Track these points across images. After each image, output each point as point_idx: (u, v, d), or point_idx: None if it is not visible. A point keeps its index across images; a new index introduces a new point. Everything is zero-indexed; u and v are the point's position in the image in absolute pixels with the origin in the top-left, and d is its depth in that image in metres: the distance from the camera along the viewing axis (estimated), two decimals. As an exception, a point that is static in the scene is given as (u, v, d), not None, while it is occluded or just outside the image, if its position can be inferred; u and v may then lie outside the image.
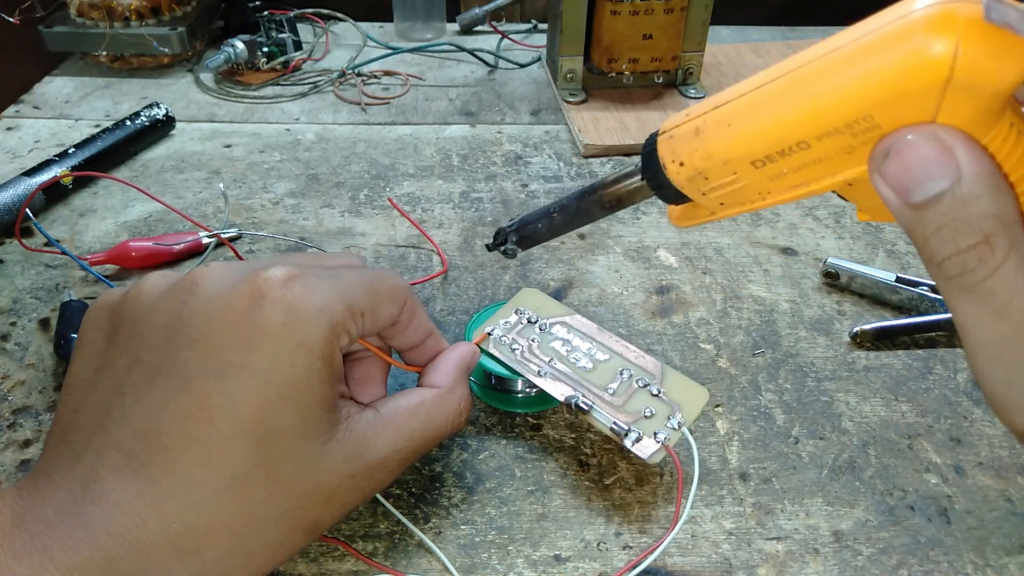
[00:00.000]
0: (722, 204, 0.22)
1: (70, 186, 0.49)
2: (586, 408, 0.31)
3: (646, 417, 0.31)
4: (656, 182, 0.23)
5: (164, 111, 0.56)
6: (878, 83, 0.17)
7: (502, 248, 0.30)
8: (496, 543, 0.30)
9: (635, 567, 0.28)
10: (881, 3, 0.18)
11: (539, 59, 0.69)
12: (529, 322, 0.35)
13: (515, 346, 0.34)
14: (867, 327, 0.39)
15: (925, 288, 0.40)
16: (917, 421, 0.35)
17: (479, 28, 0.75)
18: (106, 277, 0.42)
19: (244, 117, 0.60)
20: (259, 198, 0.50)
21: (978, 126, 0.17)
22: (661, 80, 0.62)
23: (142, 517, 0.22)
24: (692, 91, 0.62)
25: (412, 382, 0.36)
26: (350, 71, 0.66)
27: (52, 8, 0.65)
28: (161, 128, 0.56)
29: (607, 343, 0.34)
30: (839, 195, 0.22)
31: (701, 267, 0.44)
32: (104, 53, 0.64)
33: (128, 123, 0.54)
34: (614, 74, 0.60)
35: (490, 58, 0.69)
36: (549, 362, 0.33)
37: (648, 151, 0.23)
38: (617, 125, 0.57)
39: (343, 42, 0.72)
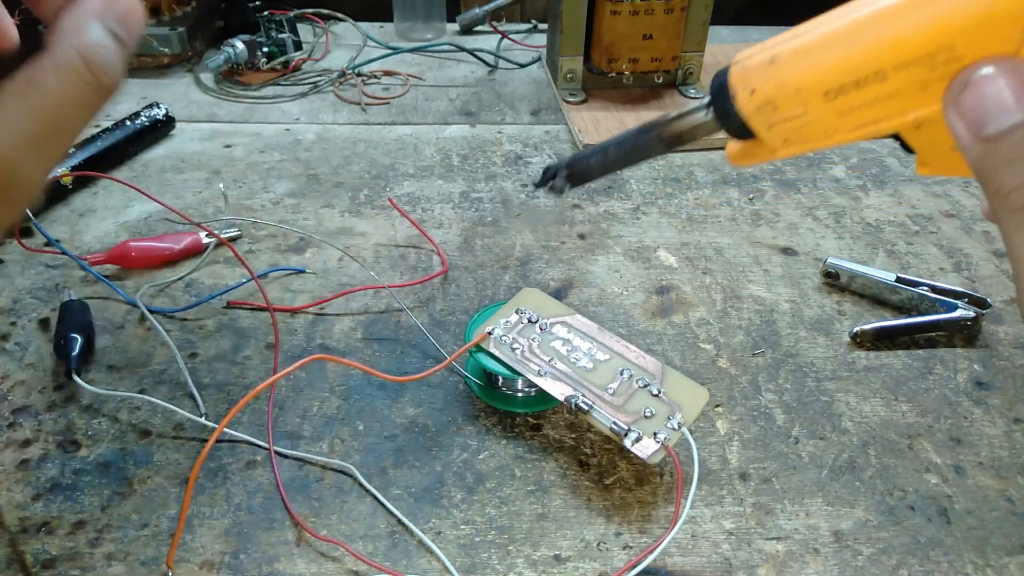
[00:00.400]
0: (785, 141, 0.22)
1: (70, 186, 0.49)
2: (586, 408, 0.31)
3: (646, 417, 0.31)
4: (723, 112, 0.23)
5: (164, 111, 0.56)
6: (967, 9, 0.17)
7: (549, 184, 0.30)
8: (496, 543, 0.30)
9: (635, 567, 0.28)
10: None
11: (539, 59, 0.69)
12: (530, 322, 0.35)
13: (515, 346, 0.34)
14: (867, 327, 0.39)
15: (925, 288, 0.40)
16: (917, 421, 0.35)
17: (479, 28, 0.75)
18: (106, 277, 0.42)
19: (244, 117, 0.60)
20: (259, 198, 0.50)
21: None
22: (661, 80, 0.62)
23: None
24: (692, 91, 0.62)
25: (408, 391, 0.36)
26: (350, 71, 0.66)
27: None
28: (161, 128, 0.56)
29: (607, 343, 0.34)
30: (903, 143, 0.21)
31: (701, 267, 0.44)
32: (104, 53, 0.64)
33: (128, 123, 0.54)
34: (614, 74, 0.60)
35: (490, 58, 0.69)
36: (549, 362, 0.33)
37: (718, 82, 0.23)
38: (617, 125, 0.57)
39: (343, 42, 0.72)
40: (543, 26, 0.75)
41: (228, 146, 0.56)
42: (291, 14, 0.67)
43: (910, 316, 0.40)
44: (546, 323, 0.35)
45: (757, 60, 0.21)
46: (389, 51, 0.69)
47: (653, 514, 0.31)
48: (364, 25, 0.73)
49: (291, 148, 0.55)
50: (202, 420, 0.34)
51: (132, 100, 0.62)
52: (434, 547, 0.29)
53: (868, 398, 0.36)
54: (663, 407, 0.32)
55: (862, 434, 0.34)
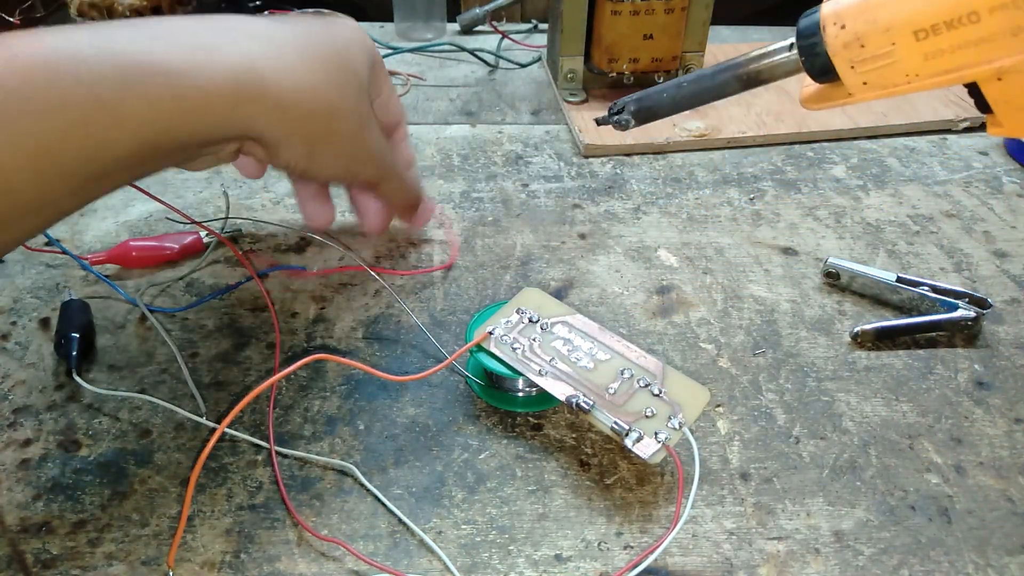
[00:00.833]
0: (865, 84, 0.22)
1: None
2: (587, 407, 0.31)
3: (647, 417, 0.31)
4: (808, 49, 0.23)
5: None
6: None
7: (615, 119, 0.30)
8: (497, 543, 0.30)
9: (635, 567, 0.28)
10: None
11: (539, 59, 0.69)
12: (530, 321, 0.35)
13: (516, 345, 0.34)
14: (868, 327, 0.39)
15: (926, 288, 0.40)
16: (918, 421, 0.35)
17: (479, 28, 0.75)
18: (106, 277, 0.42)
19: (244, 117, 0.60)
20: (260, 198, 0.50)
21: None
22: (662, 80, 0.62)
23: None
24: (692, 91, 0.62)
25: (409, 391, 0.36)
26: (350, 71, 0.66)
27: (52, 8, 0.65)
28: (161, 128, 0.55)
29: (608, 343, 0.34)
30: (978, 103, 0.21)
31: (702, 267, 0.44)
32: (104, 53, 0.64)
33: (128, 123, 0.54)
34: (615, 74, 0.60)
35: (490, 58, 0.69)
36: (550, 361, 0.33)
37: (807, 16, 0.23)
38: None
39: (343, 42, 0.72)
40: (543, 26, 0.75)
41: (228, 146, 0.55)
42: (291, 14, 0.67)
43: (911, 316, 0.40)
44: (547, 323, 0.35)
45: None
46: (389, 51, 0.69)
47: (654, 514, 0.31)
48: (364, 25, 0.72)
49: (291, 148, 0.55)
50: (203, 420, 0.34)
51: (132, 100, 0.62)
52: (435, 547, 0.29)
53: (869, 398, 0.36)
54: (664, 407, 0.32)
55: (863, 434, 0.34)
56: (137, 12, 0.63)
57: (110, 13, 0.62)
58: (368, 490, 0.32)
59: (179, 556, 0.29)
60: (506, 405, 0.35)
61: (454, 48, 0.71)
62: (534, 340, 0.34)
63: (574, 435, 0.34)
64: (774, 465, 0.33)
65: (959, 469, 0.33)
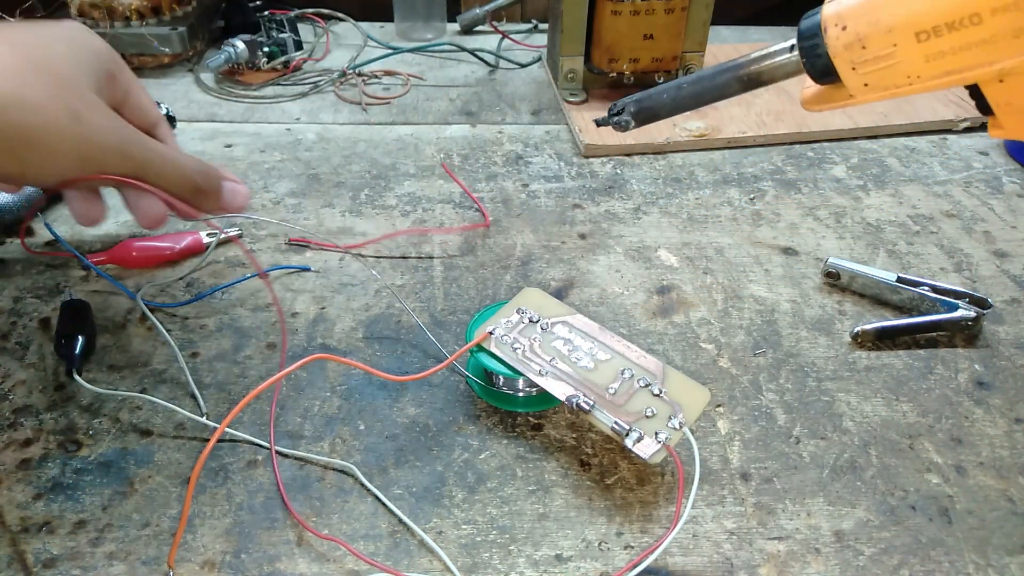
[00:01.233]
0: (866, 85, 0.22)
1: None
2: (587, 408, 0.31)
3: (647, 417, 0.31)
4: (810, 50, 0.23)
5: (165, 111, 0.56)
6: None
7: (615, 120, 0.29)
8: (498, 543, 0.30)
9: (635, 567, 0.28)
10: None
11: (539, 59, 0.69)
12: (531, 321, 0.35)
13: (517, 345, 0.34)
14: (868, 327, 0.39)
15: (926, 288, 0.40)
16: (918, 421, 0.35)
17: (479, 28, 0.75)
18: (108, 274, 0.42)
19: (245, 117, 0.60)
20: (260, 198, 0.50)
21: None
22: (662, 80, 0.62)
23: None
24: (693, 91, 0.62)
25: (409, 391, 0.36)
26: (351, 71, 0.66)
27: (53, 8, 0.65)
28: (162, 128, 0.56)
29: (608, 343, 0.34)
30: (979, 105, 0.21)
31: (702, 267, 0.44)
32: (104, 53, 0.64)
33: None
34: (615, 74, 0.60)
35: (491, 58, 0.69)
36: (551, 361, 0.33)
37: (808, 18, 0.23)
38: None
39: (344, 42, 0.72)
40: (543, 26, 0.75)
41: (228, 146, 0.56)
42: (292, 14, 0.67)
43: (911, 316, 0.40)
44: (547, 323, 0.35)
45: None
46: (389, 51, 0.69)
47: (654, 514, 0.31)
48: (364, 25, 0.73)
49: (292, 148, 0.55)
50: (203, 420, 0.34)
51: (132, 100, 0.62)
52: (435, 547, 0.29)
53: (869, 398, 0.36)
54: (664, 407, 0.32)
55: (863, 434, 0.34)
56: (138, 12, 0.63)
57: (111, 13, 0.62)
58: (368, 490, 0.32)
59: (179, 556, 0.29)
60: (506, 405, 0.35)
61: (454, 48, 0.71)
62: (534, 340, 0.34)
63: (574, 435, 0.34)
64: (774, 465, 0.33)
65: (959, 469, 0.33)
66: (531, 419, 0.35)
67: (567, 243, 0.46)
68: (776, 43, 0.25)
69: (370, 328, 0.40)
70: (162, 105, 0.56)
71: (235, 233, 0.46)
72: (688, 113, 0.59)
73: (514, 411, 0.35)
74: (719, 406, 0.36)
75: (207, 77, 0.65)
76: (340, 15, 0.72)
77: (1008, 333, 0.40)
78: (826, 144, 0.57)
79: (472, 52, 0.69)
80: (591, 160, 0.55)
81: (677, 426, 0.31)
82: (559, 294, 0.42)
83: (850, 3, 0.22)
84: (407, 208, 0.49)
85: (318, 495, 0.31)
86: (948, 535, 0.30)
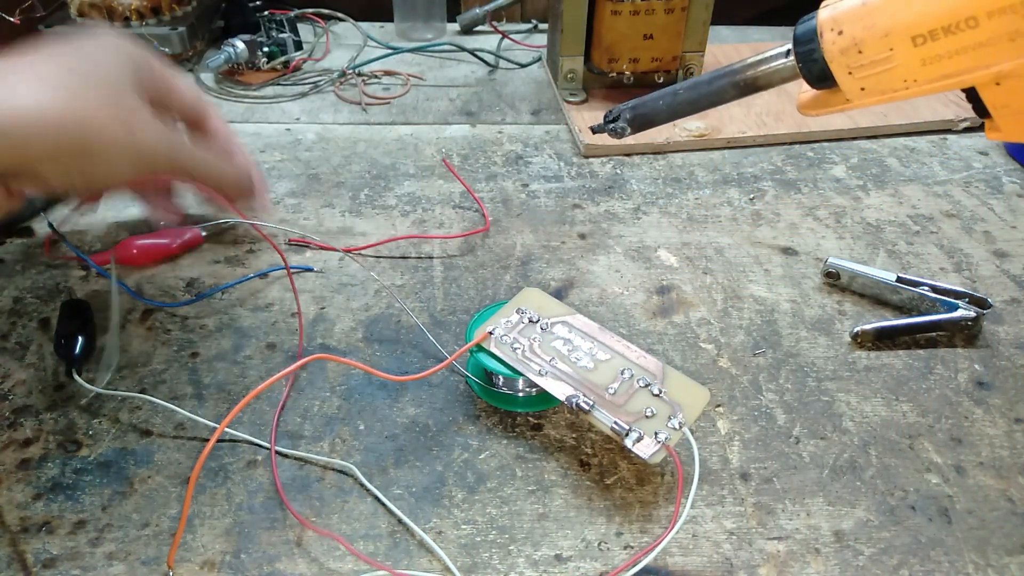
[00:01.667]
0: (863, 89, 0.22)
1: (70, 186, 0.49)
2: (587, 408, 0.31)
3: (647, 417, 0.31)
4: (806, 55, 0.23)
5: (164, 111, 0.56)
6: None
7: (610, 127, 0.29)
8: (497, 543, 0.30)
9: (632, 566, 0.28)
10: None
11: (539, 59, 0.69)
12: (530, 321, 0.35)
13: (516, 345, 0.34)
14: (868, 327, 0.39)
15: (926, 288, 0.40)
16: (918, 421, 0.35)
17: (479, 28, 0.75)
18: (108, 274, 0.42)
19: (244, 117, 0.60)
20: (260, 198, 0.50)
21: None
22: (662, 80, 0.62)
23: None
24: (692, 91, 0.62)
25: (409, 391, 0.36)
26: (350, 71, 0.66)
27: (53, 8, 0.65)
28: (161, 128, 0.56)
29: (608, 343, 0.34)
30: (976, 108, 0.21)
31: (702, 267, 0.44)
32: (104, 53, 0.64)
33: (128, 123, 0.54)
34: (615, 74, 0.60)
35: (490, 58, 0.69)
36: (550, 361, 0.33)
37: (804, 23, 0.23)
38: (618, 125, 0.57)
39: (343, 42, 0.72)
40: (543, 26, 0.75)
41: (228, 146, 0.55)
42: (291, 14, 0.67)
43: (911, 316, 0.40)
44: (547, 323, 0.35)
45: (848, 2, 0.22)
46: (389, 51, 0.69)
47: (654, 514, 0.31)
48: (364, 25, 0.73)
49: (291, 148, 0.55)
50: (203, 420, 0.34)
51: (132, 100, 0.62)
52: (435, 547, 0.29)
53: (869, 398, 0.36)
54: (664, 407, 0.32)
55: (863, 434, 0.34)
56: (137, 12, 0.63)
57: (110, 13, 0.62)
58: (368, 490, 0.32)
59: (179, 556, 0.29)
60: (506, 405, 0.35)
61: (454, 48, 0.71)
62: (534, 340, 0.34)
63: (574, 435, 0.34)
64: (774, 465, 0.33)
65: (959, 469, 0.33)
66: (531, 419, 0.35)
67: (567, 243, 0.46)
68: (772, 48, 0.25)
69: (370, 328, 0.40)
70: (162, 105, 0.56)
71: (230, 224, 0.46)
72: (688, 113, 0.59)
73: (514, 411, 0.35)
74: (719, 406, 0.36)
75: (207, 77, 0.65)
76: (340, 15, 0.72)
77: (1008, 333, 0.40)
78: (826, 144, 0.57)
79: (472, 52, 0.69)
80: (591, 160, 0.55)
81: (677, 426, 0.31)
82: (559, 294, 0.42)
83: (846, 8, 0.22)
84: (407, 208, 0.49)
85: (318, 495, 0.31)
86: (948, 535, 0.30)
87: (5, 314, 0.40)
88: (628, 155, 0.55)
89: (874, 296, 0.42)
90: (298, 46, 0.67)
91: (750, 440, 0.34)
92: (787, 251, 0.46)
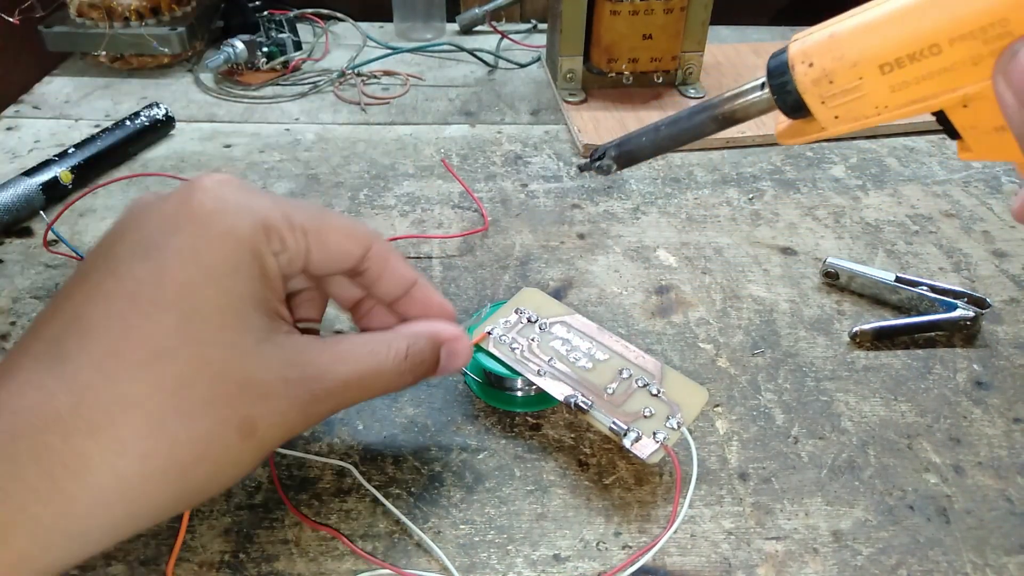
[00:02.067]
0: (837, 117, 0.23)
1: (70, 186, 0.49)
2: (585, 407, 0.31)
3: (645, 417, 0.31)
4: (780, 87, 0.24)
5: (164, 111, 0.56)
6: None
7: (597, 164, 0.30)
8: (495, 543, 0.30)
9: (630, 566, 0.28)
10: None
11: (539, 59, 0.69)
12: (529, 321, 0.35)
13: (515, 345, 0.34)
14: (866, 327, 0.39)
15: (925, 288, 0.40)
16: (916, 421, 0.35)
17: (479, 28, 0.75)
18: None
19: (244, 117, 0.60)
20: (259, 198, 0.50)
21: None
22: (661, 80, 0.62)
23: (51, 391, 0.20)
24: (692, 91, 0.62)
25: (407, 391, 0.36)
26: (350, 71, 0.66)
27: (52, 8, 0.65)
28: (161, 128, 0.56)
29: (607, 343, 0.34)
30: (947, 130, 0.22)
31: (700, 267, 0.44)
32: (104, 53, 0.64)
33: (128, 123, 0.54)
34: (614, 74, 0.60)
35: (490, 58, 0.69)
36: (549, 361, 0.33)
37: (776, 57, 0.24)
38: (617, 125, 0.57)
39: (343, 42, 0.72)
40: (543, 26, 0.75)
41: (228, 146, 0.56)
42: (291, 14, 0.67)
43: (910, 316, 0.40)
44: (545, 323, 0.35)
45: (817, 36, 0.22)
46: (389, 51, 0.69)
47: (652, 514, 0.31)
48: (364, 25, 0.73)
49: (291, 148, 0.55)
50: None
51: (132, 100, 0.62)
52: (433, 546, 0.29)
53: (867, 398, 0.36)
54: (662, 407, 0.32)
55: (861, 434, 0.34)
56: (137, 12, 0.63)
57: (110, 13, 0.62)
58: (367, 490, 0.32)
59: (179, 556, 0.29)
60: (505, 405, 0.35)
61: (453, 48, 0.71)
62: (533, 340, 0.34)
63: (573, 435, 0.34)
64: (773, 465, 0.33)
65: (958, 469, 0.33)
66: (529, 419, 0.35)
67: (566, 243, 0.46)
68: (747, 81, 0.25)
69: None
70: (161, 106, 0.56)
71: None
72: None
73: (512, 411, 0.35)
74: (717, 406, 0.36)
75: (206, 77, 0.65)
76: (339, 15, 0.72)
77: (1007, 333, 0.40)
78: (825, 144, 0.57)
79: (471, 52, 0.69)
80: (590, 160, 0.55)
81: (675, 426, 0.31)
82: (558, 294, 0.42)
83: (814, 40, 0.22)
84: (406, 208, 0.49)
85: (316, 495, 0.31)
86: (946, 535, 0.30)
87: (5, 314, 0.40)
88: (627, 155, 0.55)
89: (873, 296, 0.42)
90: (297, 46, 0.67)
91: (749, 440, 0.34)
92: (786, 251, 0.46)
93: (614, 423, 0.31)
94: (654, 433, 0.30)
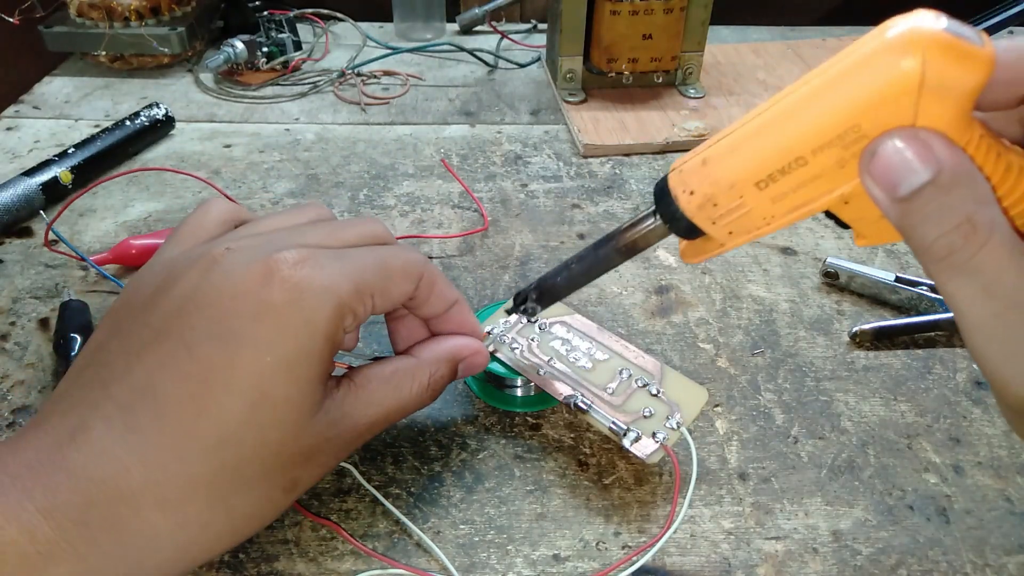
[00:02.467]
0: (731, 233, 0.24)
1: (70, 186, 0.49)
2: (585, 407, 0.31)
3: (645, 417, 0.31)
4: (669, 215, 0.25)
5: (164, 111, 0.56)
6: (863, 94, 0.19)
7: (522, 308, 0.32)
8: (495, 543, 0.30)
9: (628, 566, 0.28)
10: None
11: (539, 59, 0.69)
12: (529, 321, 0.35)
13: (515, 345, 0.34)
14: (866, 327, 0.39)
15: (924, 288, 0.40)
16: (916, 421, 0.35)
17: (479, 28, 0.75)
18: (110, 275, 0.42)
19: (244, 117, 0.60)
20: (259, 198, 0.50)
21: (952, 128, 0.19)
22: (661, 80, 0.62)
23: (125, 464, 0.22)
24: (692, 91, 0.62)
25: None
26: (350, 71, 0.66)
27: (52, 8, 0.65)
28: (161, 128, 0.56)
29: (607, 343, 0.34)
30: (838, 221, 0.23)
31: (700, 267, 0.44)
32: (104, 53, 0.64)
33: (128, 123, 0.54)
34: (614, 74, 0.60)
35: (490, 58, 0.69)
36: (548, 361, 0.33)
37: (660, 187, 0.25)
38: (617, 125, 0.57)
39: (343, 42, 0.72)
40: (543, 26, 0.75)
41: (228, 146, 0.56)
42: (291, 14, 0.67)
43: (909, 316, 0.40)
44: (545, 323, 0.35)
45: (691, 164, 0.23)
46: (389, 51, 0.69)
47: (652, 514, 0.31)
48: (364, 25, 0.73)
49: (291, 148, 0.55)
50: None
51: (132, 100, 0.62)
52: (433, 547, 0.29)
53: (867, 398, 0.36)
54: (662, 407, 0.32)
55: (861, 434, 0.34)
56: (137, 12, 0.63)
57: (109, 13, 0.62)
58: (366, 490, 0.32)
59: (178, 556, 0.29)
60: (505, 405, 0.35)
61: (453, 48, 0.71)
62: (532, 340, 0.34)
63: (572, 435, 0.34)
64: (772, 465, 0.33)
65: (957, 469, 0.33)
66: (529, 419, 0.35)
67: (566, 243, 0.46)
68: (640, 212, 0.26)
69: (368, 328, 0.40)
70: (161, 105, 0.56)
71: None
72: (686, 112, 0.59)
73: (512, 411, 0.35)
74: (717, 406, 0.36)
75: (206, 77, 0.65)
76: (339, 15, 0.72)
77: (1006, 333, 0.40)
78: (825, 144, 0.57)
79: (471, 52, 0.69)
80: (590, 160, 0.55)
81: (675, 426, 0.31)
82: (557, 294, 0.42)
83: (690, 169, 0.23)
84: (406, 208, 0.49)
85: (316, 495, 0.31)
86: (946, 535, 0.30)
87: (5, 314, 0.40)
88: (627, 155, 0.55)
89: (873, 296, 0.42)
90: (297, 46, 0.67)
91: (748, 440, 0.34)
92: (786, 251, 0.46)
93: (614, 423, 0.31)
94: (653, 433, 0.30)
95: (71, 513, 0.21)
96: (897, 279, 0.41)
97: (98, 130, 0.53)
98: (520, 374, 0.33)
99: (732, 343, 0.39)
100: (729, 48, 0.70)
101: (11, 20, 0.62)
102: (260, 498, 0.24)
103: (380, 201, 0.50)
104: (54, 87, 0.64)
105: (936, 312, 0.40)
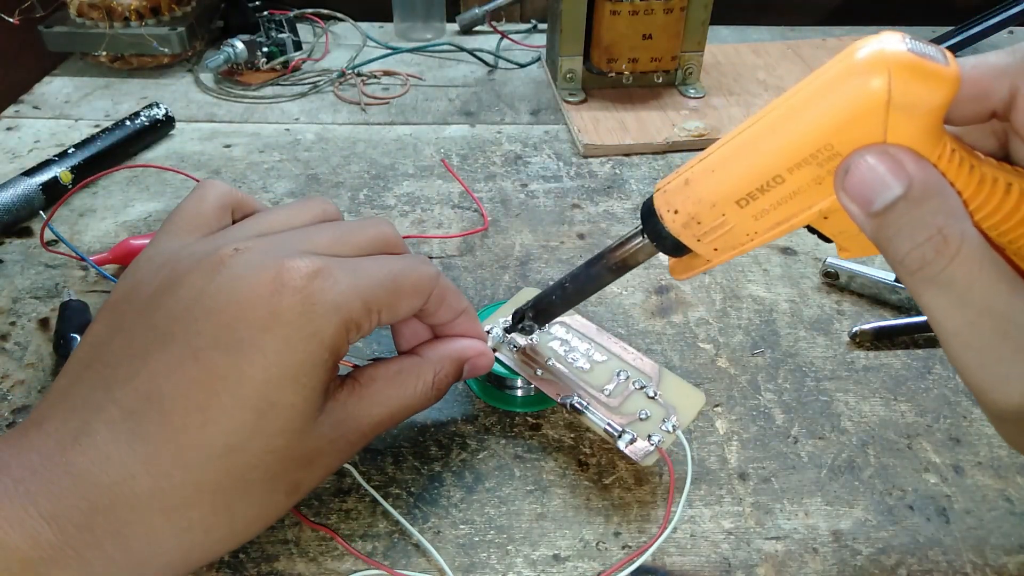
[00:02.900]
0: (716, 249, 0.25)
1: (70, 186, 0.49)
2: (581, 408, 0.31)
3: (641, 419, 0.31)
4: (655, 234, 0.25)
5: (164, 111, 0.56)
6: (833, 114, 0.20)
7: (520, 326, 0.32)
8: (495, 543, 0.30)
9: (628, 566, 0.28)
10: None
11: (539, 59, 0.69)
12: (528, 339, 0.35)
13: (514, 345, 0.34)
14: (866, 327, 0.39)
15: (924, 288, 0.40)
16: (916, 421, 0.35)
17: (479, 28, 0.75)
18: (110, 275, 0.42)
19: (244, 117, 0.60)
20: (258, 198, 0.50)
21: (922, 144, 0.20)
22: (661, 80, 0.62)
23: (131, 471, 0.22)
24: (692, 91, 0.62)
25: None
26: (350, 71, 0.66)
27: (52, 8, 0.65)
28: (161, 128, 0.56)
29: (605, 344, 0.34)
30: (820, 236, 0.24)
31: (700, 267, 0.44)
32: (104, 53, 0.64)
33: (128, 123, 0.54)
34: (614, 74, 0.60)
35: (490, 58, 0.69)
36: (547, 362, 0.33)
37: (646, 207, 0.26)
38: (617, 125, 0.57)
39: (343, 42, 0.72)
40: (543, 26, 0.75)
41: (228, 146, 0.56)
42: (291, 14, 0.67)
43: (909, 316, 0.40)
44: (545, 323, 0.35)
45: (674, 184, 0.24)
46: (389, 51, 0.69)
47: (652, 514, 0.31)
48: (364, 25, 0.73)
49: (291, 148, 0.55)
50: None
51: (132, 100, 0.62)
52: (432, 548, 0.29)
53: (867, 398, 0.36)
54: (659, 409, 0.32)
55: (861, 434, 0.34)
56: (137, 12, 0.63)
57: (109, 13, 0.63)
58: (366, 490, 0.32)
59: (177, 556, 0.29)
60: (505, 405, 0.35)
61: (453, 48, 0.71)
62: (532, 340, 0.34)
63: (572, 435, 0.34)
64: (772, 465, 0.33)
65: (957, 469, 0.33)
66: (529, 419, 0.35)
67: (566, 243, 0.46)
68: (628, 231, 0.27)
69: (368, 328, 0.40)
70: (161, 105, 0.56)
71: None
72: (686, 112, 0.59)
73: (512, 411, 0.35)
74: (717, 406, 0.36)
75: (206, 77, 0.65)
76: (339, 15, 0.72)
77: (1006, 333, 0.40)
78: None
79: (471, 52, 0.69)
80: (590, 160, 0.55)
81: (670, 429, 0.31)
82: (557, 294, 0.42)
83: (673, 190, 0.24)
84: (406, 208, 0.49)
85: (316, 495, 0.31)
86: (946, 535, 0.30)
87: (5, 314, 0.40)
88: (627, 155, 0.55)
89: (873, 296, 0.42)
90: (297, 46, 0.67)
91: (748, 440, 0.34)
92: (786, 251, 0.46)
93: (609, 424, 0.31)
94: (649, 436, 0.30)
95: (75, 518, 0.21)
96: (897, 279, 0.41)
97: (98, 130, 0.53)
98: (519, 374, 0.33)
99: (732, 343, 0.39)
100: (729, 48, 0.70)
101: (11, 20, 0.62)
102: (263, 502, 0.25)
103: (380, 201, 0.50)
104: (54, 87, 0.64)
105: (936, 312, 0.40)
